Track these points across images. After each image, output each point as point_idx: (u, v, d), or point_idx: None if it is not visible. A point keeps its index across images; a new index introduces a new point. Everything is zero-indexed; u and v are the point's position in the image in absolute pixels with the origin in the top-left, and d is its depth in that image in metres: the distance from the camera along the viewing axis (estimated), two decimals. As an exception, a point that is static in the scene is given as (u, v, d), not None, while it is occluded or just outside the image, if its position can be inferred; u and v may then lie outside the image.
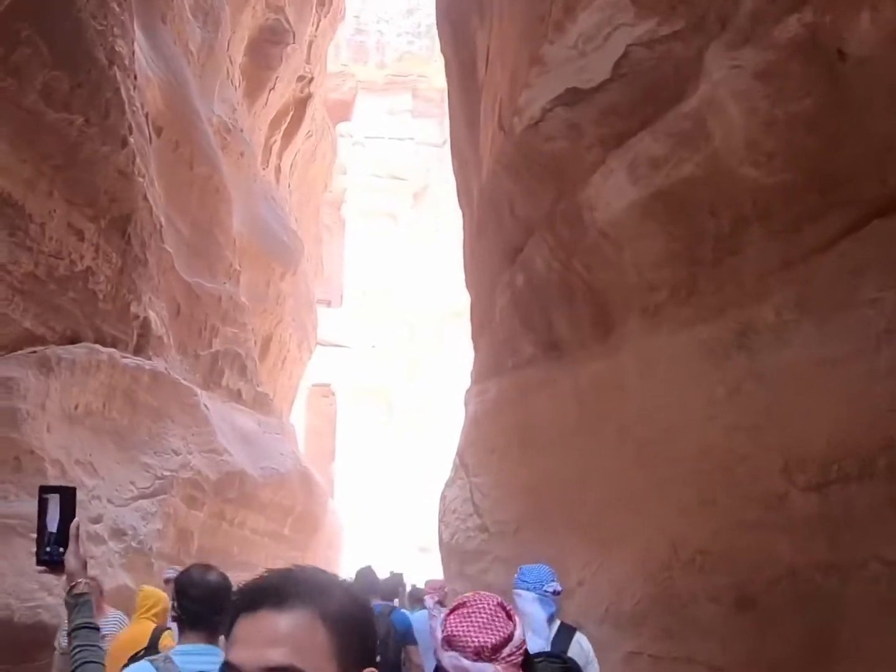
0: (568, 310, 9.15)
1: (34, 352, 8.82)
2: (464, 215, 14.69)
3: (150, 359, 11.40)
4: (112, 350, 10.24)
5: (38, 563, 2.82)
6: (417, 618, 8.33)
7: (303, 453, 22.43)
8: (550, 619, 4.87)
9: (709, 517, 6.21)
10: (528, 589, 4.76)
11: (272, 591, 1.31)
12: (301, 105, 22.35)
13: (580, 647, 5.01)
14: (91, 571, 8.94)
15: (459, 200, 15.18)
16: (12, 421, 8.33)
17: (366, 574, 8.63)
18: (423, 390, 45.98)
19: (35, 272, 8.98)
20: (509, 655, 2.57)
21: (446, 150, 49.16)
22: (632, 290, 7.42)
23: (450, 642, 2.63)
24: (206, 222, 14.91)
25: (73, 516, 2.86)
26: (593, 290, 8.42)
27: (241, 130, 18.06)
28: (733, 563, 5.87)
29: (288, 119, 21.67)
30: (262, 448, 16.93)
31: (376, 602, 7.83)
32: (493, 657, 2.56)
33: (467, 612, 2.68)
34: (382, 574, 11.17)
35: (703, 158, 5.71)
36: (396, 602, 9.86)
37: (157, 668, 2.99)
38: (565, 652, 4.56)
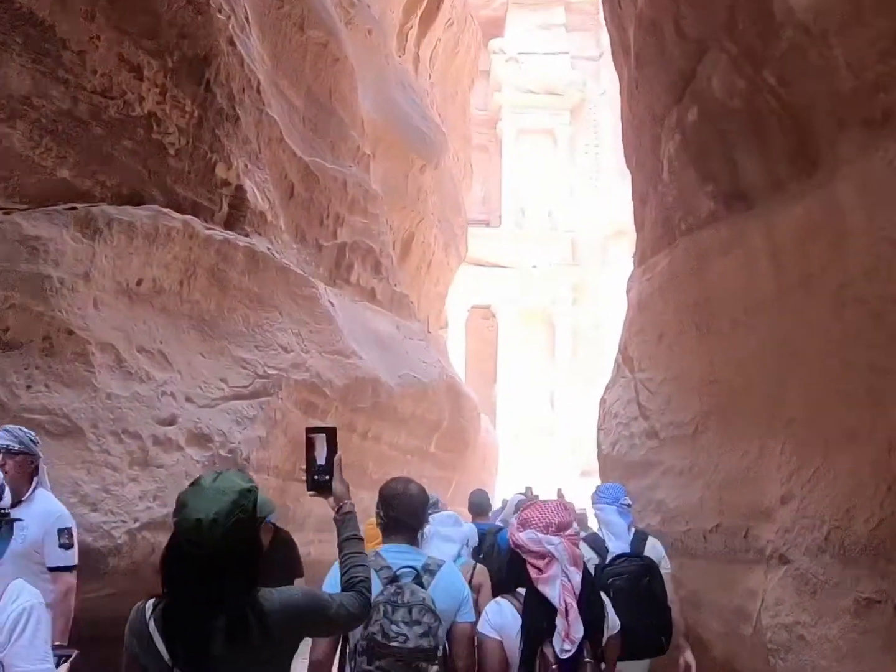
0: (757, 143, 6.86)
1: (73, 208, 6.82)
2: (620, 78, 12.27)
3: (247, 236, 9.35)
4: (190, 217, 8.19)
5: (309, 488, 3.37)
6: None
7: (453, 366, 20.29)
8: (628, 527, 5.75)
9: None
10: (608, 503, 5.64)
11: None
12: (438, -12, 19.91)
13: (654, 548, 5.88)
14: (153, 485, 6.75)
15: (615, 60, 12.66)
16: (38, 291, 6.36)
17: (477, 496, 8.94)
18: (588, 312, 43.83)
19: (73, 111, 6.96)
20: (571, 534, 3.63)
21: (603, 64, 47.28)
22: (846, 98, 5.26)
23: (524, 523, 3.69)
24: (324, 95, 12.74)
25: (336, 451, 3.37)
26: (791, 109, 6.09)
27: (368, 6, 15.79)
28: None
29: (424, 4, 19.23)
30: (402, 354, 14.85)
31: (482, 522, 8.32)
32: (558, 533, 3.59)
33: (537, 506, 3.80)
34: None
35: None
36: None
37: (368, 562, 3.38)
38: (642, 552, 5.54)
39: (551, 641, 3.45)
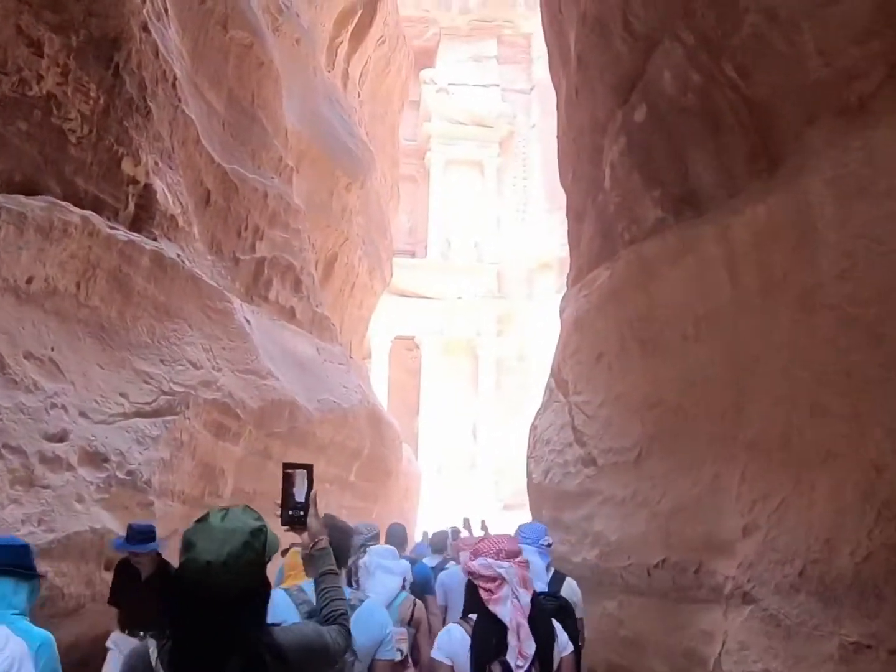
0: (712, 141, 6.32)
1: (-51, 192, 6.00)
2: (558, 90, 11.82)
3: (154, 239, 8.55)
4: (91, 213, 7.38)
5: (284, 523, 3.32)
6: (452, 573, 7.83)
7: (375, 394, 19.50)
8: (547, 568, 5.71)
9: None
10: (528, 543, 5.43)
11: None
12: (371, 5, 19.21)
13: (570, 588, 5.98)
14: (37, 508, 5.86)
15: (552, 72, 12.21)
16: None
17: (395, 528, 8.88)
18: (512, 343, 43.49)
19: (-44, 83, 6.17)
20: (520, 560, 3.86)
21: (533, 97, 47.10)
22: (816, 88, 4.84)
23: (476, 552, 3.89)
24: (246, 100, 12.00)
25: (313, 487, 3.36)
26: (751, 103, 5.67)
27: (298, 15, 15.10)
28: None
29: (356, 19, 18.59)
30: (321, 378, 14.06)
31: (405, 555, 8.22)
32: (508, 558, 3.81)
33: (487, 538, 4.06)
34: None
35: None
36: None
37: (290, 596, 3.84)
38: (558, 592, 5.48)
39: (500, 660, 3.61)
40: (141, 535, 6.40)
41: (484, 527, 12.09)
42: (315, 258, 15.47)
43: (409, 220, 45.28)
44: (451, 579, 7.49)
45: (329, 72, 17.78)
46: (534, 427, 10.57)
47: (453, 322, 43.44)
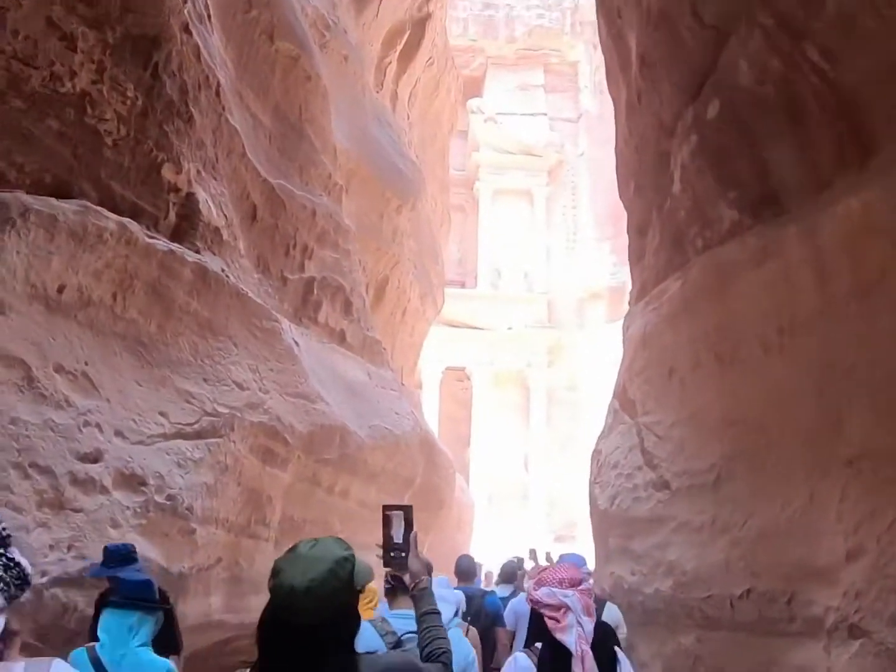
0: (794, 134, 5.90)
1: (-28, 190, 5.51)
2: (617, 102, 11.29)
3: (197, 252, 8.05)
4: (128, 220, 6.88)
5: (385, 565, 3.42)
6: (522, 599, 7.71)
7: (426, 422, 18.88)
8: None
9: None
10: None
11: None
12: (419, 25, 18.81)
13: (610, 613, 6.31)
14: (67, 532, 5.39)
15: (610, 84, 11.67)
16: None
17: (465, 561, 8.98)
18: (563, 374, 42.84)
19: (-17, 75, 5.71)
20: (584, 588, 3.90)
21: (581, 126, 46.67)
22: None
23: (540, 582, 3.97)
24: (293, 114, 11.53)
25: (412, 528, 3.40)
26: (838, 89, 5.19)
27: (345, 32, 14.68)
28: None
29: (404, 39, 18.17)
30: (373, 403, 13.48)
31: (469, 586, 8.49)
32: (571, 587, 3.85)
33: (549, 569, 4.22)
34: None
35: None
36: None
37: (375, 627, 4.01)
38: (599, 617, 4.92)
39: None
40: (119, 557, 5.31)
41: (549, 558, 11.89)
42: (366, 281, 14.94)
43: (458, 250, 45.02)
44: (522, 606, 7.45)
45: (378, 92, 17.34)
46: (597, 452, 9.91)
47: (504, 352, 42.99)
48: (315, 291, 12.03)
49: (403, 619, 4.01)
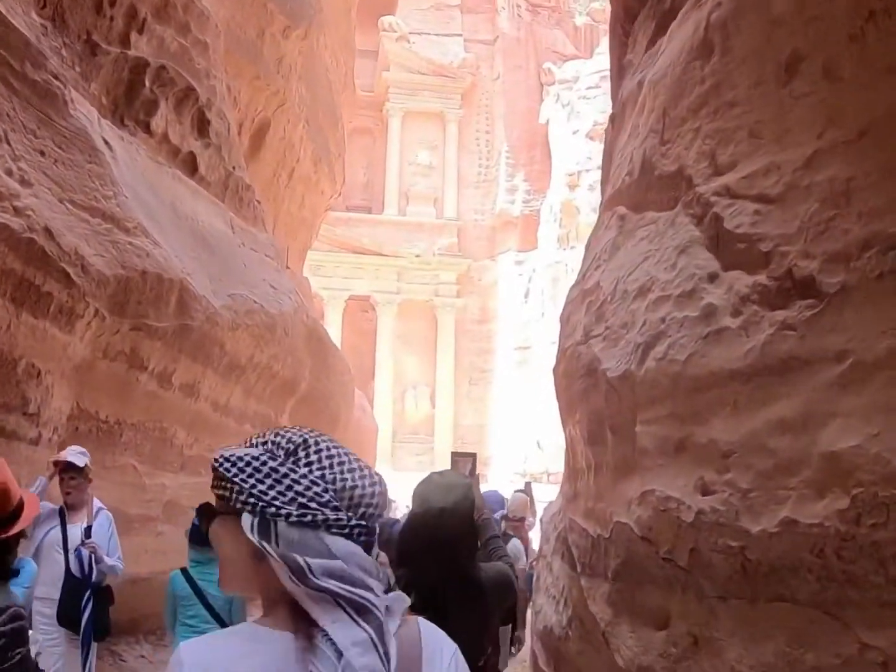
0: None
1: None
2: None
3: None
4: None
5: None
6: None
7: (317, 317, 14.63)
8: None
9: None
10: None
11: None
12: None
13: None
14: None
15: None
16: None
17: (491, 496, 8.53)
18: (472, 305, 39.17)
19: None
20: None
21: (498, 48, 42.56)
22: None
23: None
24: None
25: (475, 472, 3.74)
26: None
27: None
28: None
29: None
30: (237, 266, 9.26)
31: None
32: None
33: None
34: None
35: None
36: None
37: None
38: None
39: None
40: None
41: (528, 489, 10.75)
42: (239, 118, 10.65)
43: (365, 174, 41.08)
44: None
45: None
46: (585, 291, 5.39)
47: (410, 282, 39.05)
48: (147, 84, 7.77)
49: None
